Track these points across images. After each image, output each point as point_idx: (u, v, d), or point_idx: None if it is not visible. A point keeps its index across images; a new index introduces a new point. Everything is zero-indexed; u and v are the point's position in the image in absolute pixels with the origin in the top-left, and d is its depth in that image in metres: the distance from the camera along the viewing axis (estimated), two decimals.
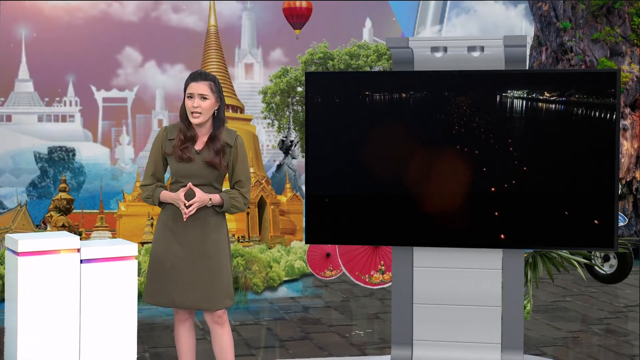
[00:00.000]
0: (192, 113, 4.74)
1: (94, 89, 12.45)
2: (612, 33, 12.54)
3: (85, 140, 12.41)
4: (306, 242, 5.54)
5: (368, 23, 13.67)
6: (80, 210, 10.96)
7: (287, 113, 12.96)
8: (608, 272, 9.61)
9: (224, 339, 4.90)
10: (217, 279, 4.78)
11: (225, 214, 4.88)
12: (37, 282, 4.27)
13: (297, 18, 12.37)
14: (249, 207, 5.00)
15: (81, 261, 4.38)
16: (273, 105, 12.96)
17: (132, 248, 4.50)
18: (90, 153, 12.23)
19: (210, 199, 4.72)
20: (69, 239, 4.35)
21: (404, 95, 5.24)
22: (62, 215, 10.36)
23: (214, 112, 4.81)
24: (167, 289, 4.76)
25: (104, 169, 12.16)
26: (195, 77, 4.80)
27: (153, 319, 7.82)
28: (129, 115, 12.71)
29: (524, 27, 13.73)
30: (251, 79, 13.30)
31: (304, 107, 12.90)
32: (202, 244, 4.76)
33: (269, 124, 13.06)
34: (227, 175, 4.91)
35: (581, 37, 12.63)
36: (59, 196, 10.48)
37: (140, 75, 12.32)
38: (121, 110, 12.64)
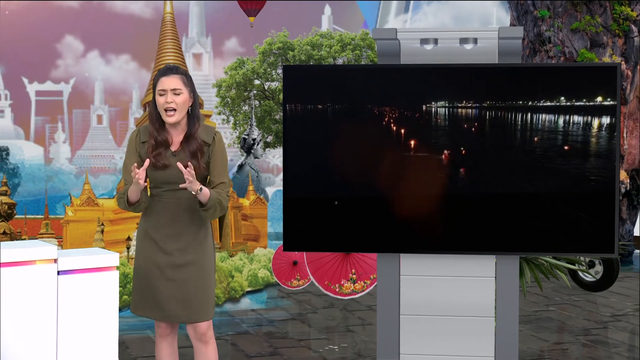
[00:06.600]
0: (165, 111, 4.75)
1: (25, 81, 12.36)
2: (593, 22, 12.76)
3: (17, 137, 12.30)
4: (284, 250, 5.50)
5: (327, 10, 13.74)
6: (23, 216, 10.87)
7: (244, 108, 12.95)
8: (594, 279, 9.81)
9: (208, 359, 4.97)
10: (203, 288, 4.83)
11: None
12: (10, 295, 4.29)
13: (251, 4, 12.41)
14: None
15: (58, 272, 4.41)
16: (228, 99, 12.92)
17: (113, 258, 4.54)
18: (22, 152, 12.12)
19: (201, 189, 4.64)
20: (46, 249, 4.37)
21: (393, 90, 5.33)
22: (2, 221, 10.26)
23: (188, 109, 4.86)
24: (155, 303, 4.79)
25: (38, 169, 12.06)
26: (166, 71, 4.82)
27: None
28: (65, 111, 12.63)
29: (496, 14, 13.96)
30: (200, 70, 13.28)
31: (262, 101, 12.95)
32: (187, 250, 4.79)
33: (223, 120, 13.02)
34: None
35: (560, 27, 12.85)
36: (0, 200, 10.38)
37: (82, 66, 12.25)
38: (56, 104, 12.55)
